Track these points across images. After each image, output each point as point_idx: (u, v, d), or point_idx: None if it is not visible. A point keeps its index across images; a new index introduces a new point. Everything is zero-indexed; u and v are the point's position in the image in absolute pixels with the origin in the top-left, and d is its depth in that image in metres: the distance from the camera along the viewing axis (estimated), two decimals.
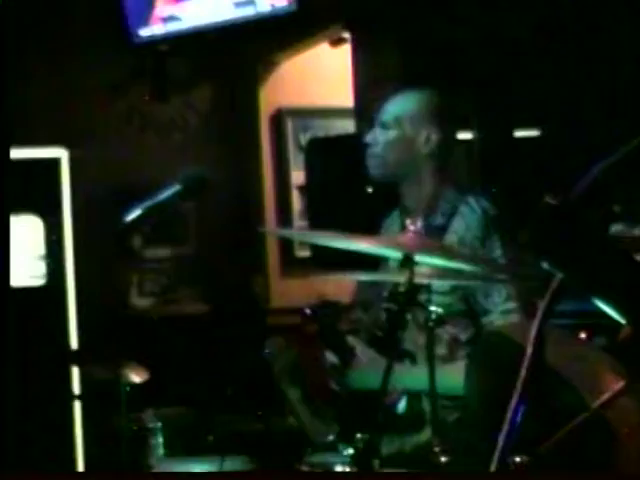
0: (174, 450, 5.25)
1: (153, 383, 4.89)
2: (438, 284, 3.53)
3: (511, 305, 3.61)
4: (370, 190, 5.47)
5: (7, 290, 4.31)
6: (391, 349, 3.36)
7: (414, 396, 3.66)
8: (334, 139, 6.46)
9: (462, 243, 3.67)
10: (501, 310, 3.62)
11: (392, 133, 3.79)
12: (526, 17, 5.28)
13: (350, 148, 6.01)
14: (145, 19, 6.65)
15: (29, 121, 6.59)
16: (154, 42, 6.71)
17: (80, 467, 6.19)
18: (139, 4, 6.66)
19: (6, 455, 3.16)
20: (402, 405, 3.60)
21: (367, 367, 3.76)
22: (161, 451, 5.31)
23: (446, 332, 3.62)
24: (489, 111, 5.76)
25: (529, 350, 2.42)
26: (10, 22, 4.41)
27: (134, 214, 4.20)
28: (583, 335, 3.70)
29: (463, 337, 3.68)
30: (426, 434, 3.61)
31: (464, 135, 5.76)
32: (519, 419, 2.40)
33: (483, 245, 3.67)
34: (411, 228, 3.20)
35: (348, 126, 6.40)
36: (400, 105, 3.85)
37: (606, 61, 4.98)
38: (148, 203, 4.22)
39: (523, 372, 2.40)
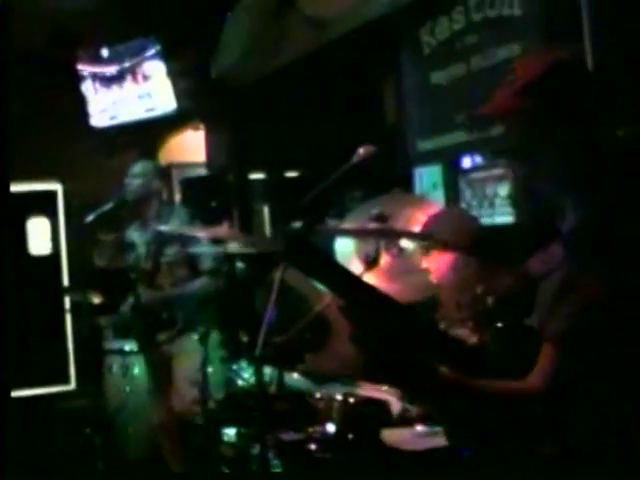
0: (117, 335, 5.03)
1: (106, 303, 4.68)
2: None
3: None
4: (214, 204, 5.36)
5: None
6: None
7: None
8: (195, 178, 6.26)
9: (179, 227, 3.74)
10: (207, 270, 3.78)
11: (139, 180, 3.87)
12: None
13: (202, 183, 5.95)
14: (98, 118, 6.30)
15: (40, 167, 6.16)
16: (105, 129, 6.35)
17: (70, 344, 5.88)
18: (96, 110, 6.29)
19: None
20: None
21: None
22: (110, 335, 5.08)
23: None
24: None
25: (276, 282, 2.32)
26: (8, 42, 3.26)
27: (90, 218, 4.09)
28: None
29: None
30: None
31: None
32: (272, 319, 2.30)
33: (188, 224, 3.77)
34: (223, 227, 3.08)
35: (202, 172, 6.27)
36: (143, 167, 3.94)
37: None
38: (98, 211, 4.10)
39: (273, 295, 2.30)
